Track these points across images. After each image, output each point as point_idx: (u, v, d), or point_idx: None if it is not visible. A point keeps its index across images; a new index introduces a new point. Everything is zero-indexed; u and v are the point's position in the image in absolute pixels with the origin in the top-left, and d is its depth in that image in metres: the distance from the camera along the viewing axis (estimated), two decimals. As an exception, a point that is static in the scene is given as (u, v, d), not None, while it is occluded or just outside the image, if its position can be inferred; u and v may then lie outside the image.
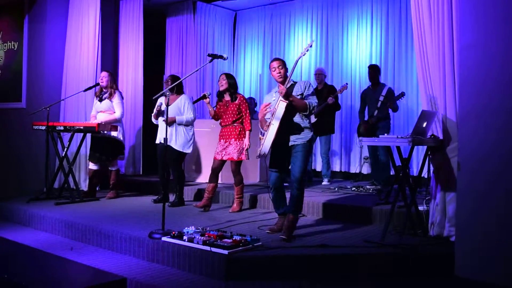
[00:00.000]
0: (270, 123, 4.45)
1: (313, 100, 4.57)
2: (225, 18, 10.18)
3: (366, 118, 7.07)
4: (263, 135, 4.56)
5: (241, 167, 5.93)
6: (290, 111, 4.48)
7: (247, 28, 10.16)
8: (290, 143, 4.58)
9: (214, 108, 5.99)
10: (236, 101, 5.84)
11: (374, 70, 7.02)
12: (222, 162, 5.89)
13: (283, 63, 4.69)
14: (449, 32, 4.37)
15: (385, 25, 8.26)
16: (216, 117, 5.98)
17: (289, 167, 4.69)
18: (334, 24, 8.88)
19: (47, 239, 5.27)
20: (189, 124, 6.24)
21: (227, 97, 5.89)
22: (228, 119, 5.85)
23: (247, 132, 5.86)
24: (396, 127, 7.75)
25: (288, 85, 4.57)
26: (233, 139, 5.80)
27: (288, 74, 4.66)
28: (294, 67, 4.59)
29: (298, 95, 4.57)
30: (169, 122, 6.03)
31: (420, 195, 5.49)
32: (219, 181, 7.10)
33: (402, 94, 6.72)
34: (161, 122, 6.29)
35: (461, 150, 4.02)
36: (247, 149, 5.82)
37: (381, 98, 6.81)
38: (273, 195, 4.79)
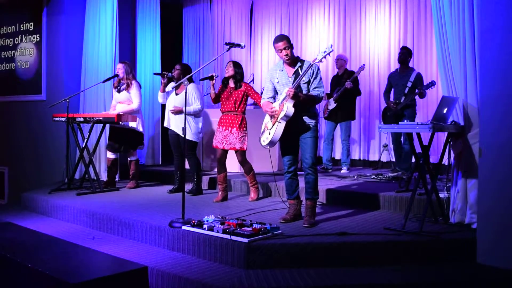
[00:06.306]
0: (276, 120, 4.47)
1: (321, 90, 4.54)
2: (241, 6, 10.13)
3: (391, 99, 6.82)
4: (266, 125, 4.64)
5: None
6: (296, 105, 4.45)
7: (264, 16, 10.09)
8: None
9: (216, 92, 5.96)
10: (242, 88, 5.79)
11: (406, 51, 6.69)
12: (225, 151, 5.89)
13: (288, 43, 4.52)
14: (469, 16, 4.27)
15: (403, 9, 8.14)
16: (216, 99, 5.94)
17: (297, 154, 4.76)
18: (352, 10, 8.79)
19: (69, 229, 5.35)
20: (197, 113, 6.21)
21: (231, 84, 5.86)
22: (229, 105, 5.80)
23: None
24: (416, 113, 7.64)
25: (296, 68, 4.52)
26: (234, 128, 5.75)
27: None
28: (305, 71, 4.47)
29: (305, 83, 4.51)
30: (176, 112, 6.13)
31: (441, 182, 5.43)
32: (237, 171, 7.13)
33: (433, 83, 6.31)
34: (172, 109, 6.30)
35: (482, 136, 3.96)
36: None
37: (409, 84, 6.54)
38: (286, 178, 4.74)
